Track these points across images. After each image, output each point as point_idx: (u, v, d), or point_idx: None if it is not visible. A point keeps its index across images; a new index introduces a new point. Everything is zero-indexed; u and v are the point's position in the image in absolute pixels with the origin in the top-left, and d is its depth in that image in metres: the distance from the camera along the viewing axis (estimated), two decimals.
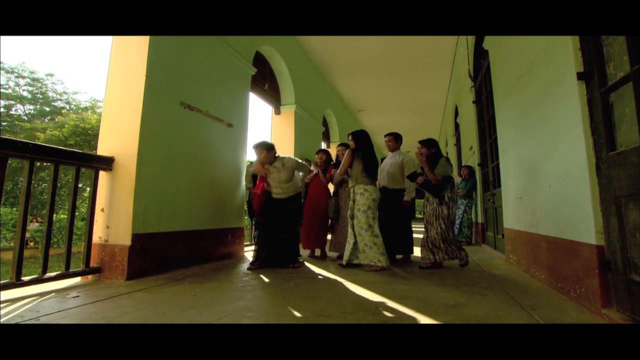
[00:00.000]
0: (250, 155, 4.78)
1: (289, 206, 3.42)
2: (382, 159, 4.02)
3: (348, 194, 3.78)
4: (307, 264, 3.53)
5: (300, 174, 3.73)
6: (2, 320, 1.67)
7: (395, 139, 3.80)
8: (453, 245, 3.21)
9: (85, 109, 18.81)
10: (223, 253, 3.81)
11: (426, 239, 3.31)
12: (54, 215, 2.48)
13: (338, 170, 3.44)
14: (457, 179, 6.00)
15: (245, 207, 4.63)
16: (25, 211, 2.16)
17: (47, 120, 17.98)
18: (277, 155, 3.48)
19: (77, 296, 2.14)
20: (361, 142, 3.30)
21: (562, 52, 2.07)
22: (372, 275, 2.91)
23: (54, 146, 2.49)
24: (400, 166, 3.67)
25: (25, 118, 18.32)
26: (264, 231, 3.40)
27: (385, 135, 3.88)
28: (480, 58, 4.83)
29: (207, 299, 2.11)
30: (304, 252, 4.21)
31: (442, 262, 3.29)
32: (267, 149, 3.39)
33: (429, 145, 3.30)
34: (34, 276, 2.26)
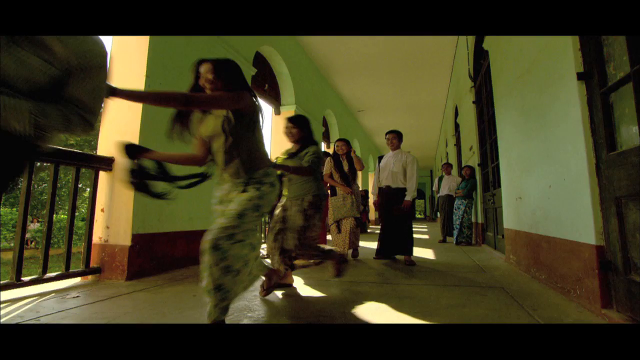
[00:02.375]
0: None
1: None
2: (380, 157, 4.04)
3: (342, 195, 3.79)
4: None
5: None
6: (2, 320, 1.67)
7: (399, 138, 3.82)
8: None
9: None
10: None
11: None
12: (54, 215, 2.48)
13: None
14: (457, 179, 6.03)
15: None
16: (25, 211, 2.16)
17: None
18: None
19: (77, 296, 2.14)
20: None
21: (562, 52, 2.07)
22: (372, 275, 2.91)
23: (54, 146, 2.49)
24: (404, 166, 3.68)
25: None
26: None
27: (388, 133, 3.84)
28: (480, 58, 4.83)
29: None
30: None
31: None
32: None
33: (302, 125, 2.40)
34: (34, 276, 2.26)
